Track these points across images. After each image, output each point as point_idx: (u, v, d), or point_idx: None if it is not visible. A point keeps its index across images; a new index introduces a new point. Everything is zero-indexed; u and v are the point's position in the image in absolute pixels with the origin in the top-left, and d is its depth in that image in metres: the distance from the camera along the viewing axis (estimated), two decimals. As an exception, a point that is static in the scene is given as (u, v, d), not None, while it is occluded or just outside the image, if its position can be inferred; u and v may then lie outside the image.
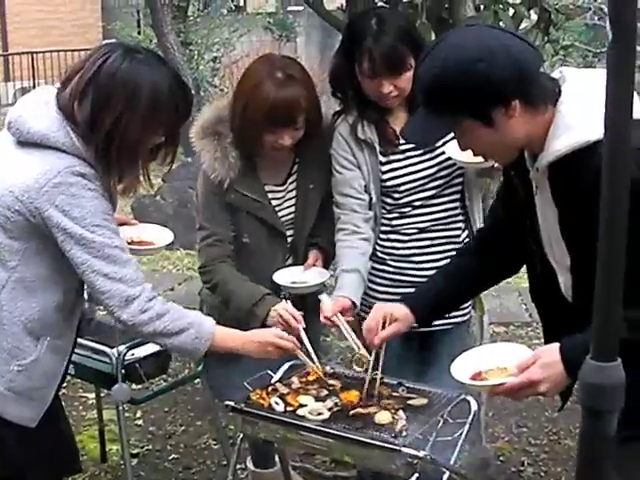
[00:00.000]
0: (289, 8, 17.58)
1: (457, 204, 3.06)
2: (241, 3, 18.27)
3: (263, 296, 2.91)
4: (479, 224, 3.12)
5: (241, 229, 3.06)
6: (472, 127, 2.00)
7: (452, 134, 2.22)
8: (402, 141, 2.95)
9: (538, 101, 1.99)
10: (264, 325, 2.81)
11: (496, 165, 2.83)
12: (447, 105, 1.98)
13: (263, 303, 2.89)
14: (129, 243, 2.96)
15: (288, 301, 2.88)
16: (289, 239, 3.12)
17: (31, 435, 2.46)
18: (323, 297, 2.86)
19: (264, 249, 3.08)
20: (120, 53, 2.33)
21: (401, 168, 2.98)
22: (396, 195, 3.00)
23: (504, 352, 2.16)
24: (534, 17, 4.15)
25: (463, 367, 2.15)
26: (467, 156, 2.55)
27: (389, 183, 2.99)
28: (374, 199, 3.00)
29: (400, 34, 2.82)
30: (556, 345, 1.96)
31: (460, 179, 3.02)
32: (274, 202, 3.08)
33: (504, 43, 1.96)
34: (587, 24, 6.89)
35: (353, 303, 2.87)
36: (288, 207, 3.11)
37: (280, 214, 3.09)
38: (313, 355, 2.70)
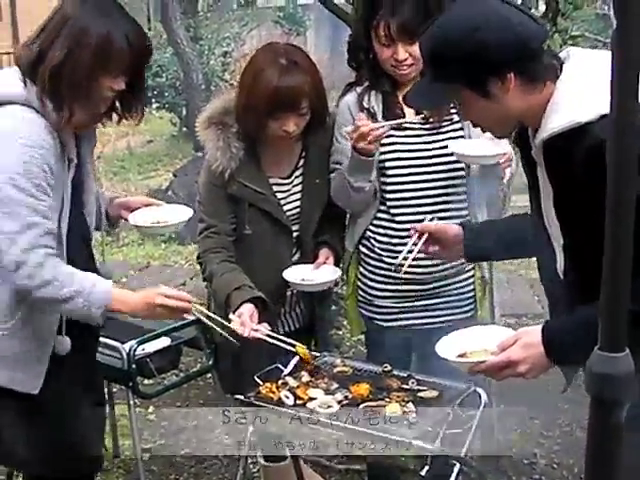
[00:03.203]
0: (299, 2, 17.53)
1: (459, 197, 3.01)
2: (251, -3, 18.27)
3: (228, 295, 2.91)
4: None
5: (244, 221, 3.04)
6: (469, 97, 2.03)
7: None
8: (407, 119, 2.95)
9: (537, 77, 2.00)
10: None
11: (501, 161, 2.82)
12: (445, 72, 2.02)
13: (228, 303, 2.90)
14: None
15: (243, 306, 2.86)
16: (295, 234, 3.10)
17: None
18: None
19: (269, 244, 3.07)
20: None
21: (400, 144, 2.96)
22: (391, 172, 2.97)
23: (491, 334, 2.18)
24: (542, 7, 4.13)
25: (449, 346, 2.18)
26: (470, 150, 2.57)
27: (386, 156, 2.96)
28: None
29: (417, 1, 2.81)
30: (539, 327, 1.98)
31: (462, 174, 2.98)
32: (279, 195, 3.07)
33: (504, 15, 1.98)
34: (597, 13, 6.85)
35: None
36: (293, 201, 3.09)
37: (285, 208, 3.08)
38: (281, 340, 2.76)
